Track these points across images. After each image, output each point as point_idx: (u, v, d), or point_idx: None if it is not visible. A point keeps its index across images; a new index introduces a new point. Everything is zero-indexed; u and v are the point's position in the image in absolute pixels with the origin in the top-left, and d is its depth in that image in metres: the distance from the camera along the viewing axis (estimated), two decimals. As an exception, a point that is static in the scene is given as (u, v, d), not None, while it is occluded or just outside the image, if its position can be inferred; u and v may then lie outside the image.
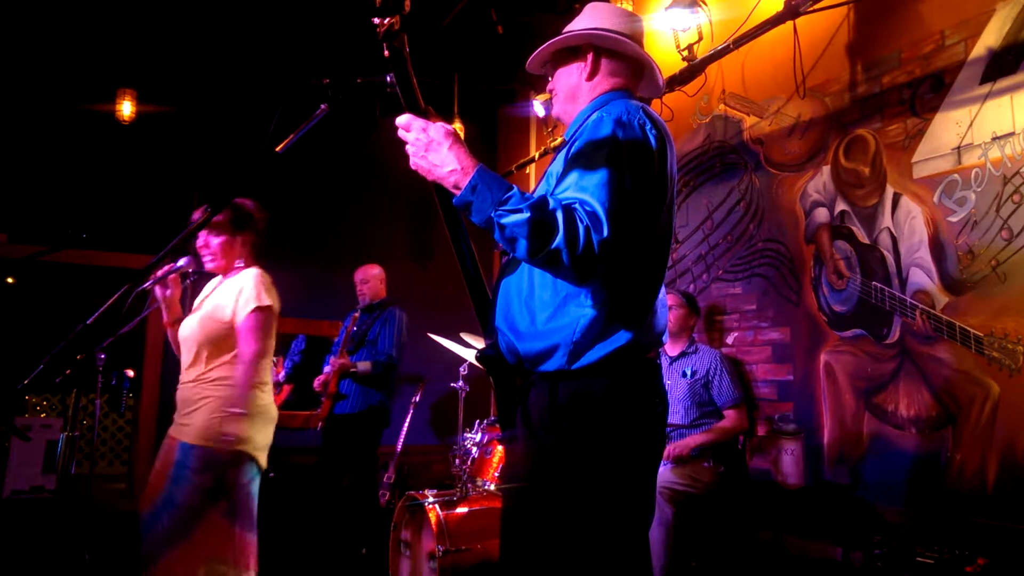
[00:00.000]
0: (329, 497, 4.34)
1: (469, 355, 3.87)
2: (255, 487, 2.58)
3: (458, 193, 1.45)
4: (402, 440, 5.14)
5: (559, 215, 1.38)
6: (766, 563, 3.38)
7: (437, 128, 1.49)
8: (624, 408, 1.51)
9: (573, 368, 1.50)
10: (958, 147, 2.82)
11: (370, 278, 4.68)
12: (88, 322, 1.88)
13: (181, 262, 2.67)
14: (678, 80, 3.84)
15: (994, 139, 2.70)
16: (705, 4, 3.70)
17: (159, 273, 2.65)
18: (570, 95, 1.74)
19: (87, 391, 3.68)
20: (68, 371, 2.51)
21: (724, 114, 4.02)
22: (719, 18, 3.75)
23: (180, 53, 5.22)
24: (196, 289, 2.91)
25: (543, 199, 1.41)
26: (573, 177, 1.49)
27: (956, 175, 2.83)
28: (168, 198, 5.21)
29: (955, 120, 2.84)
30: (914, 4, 3.06)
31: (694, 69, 3.75)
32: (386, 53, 1.53)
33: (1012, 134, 2.65)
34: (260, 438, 2.59)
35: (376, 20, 1.50)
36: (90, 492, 4.03)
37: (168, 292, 2.72)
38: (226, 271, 2.71)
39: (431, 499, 3.35)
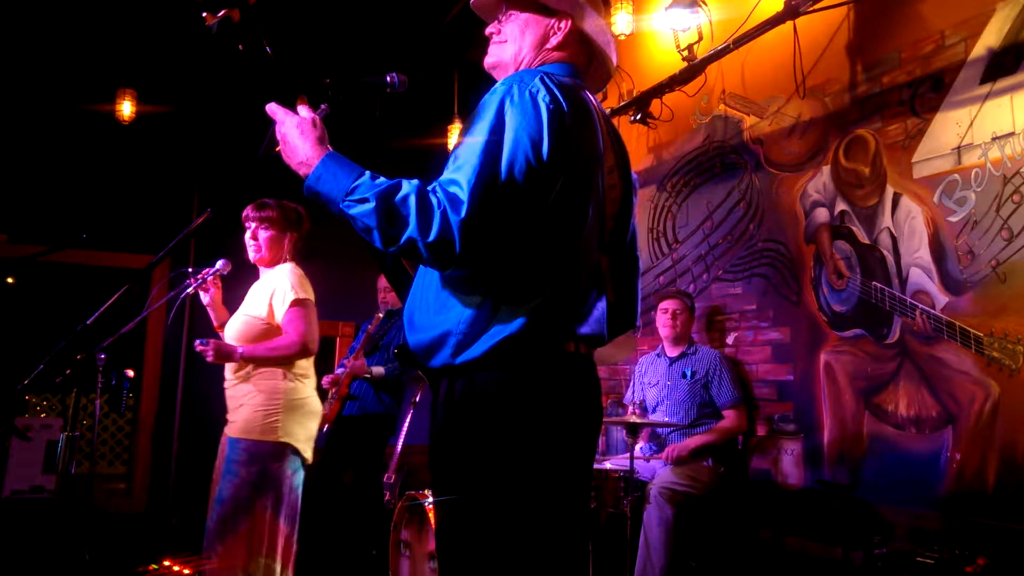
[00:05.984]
0: (331, 497, 4.30)
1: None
2: (298, 480, 2.63)
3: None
4: (402, 440, 5.13)
5: (411, 200, 1.26)
6: (766, 563, 3.38)
7: (292, 119, 1.41)
8: (517, 405, 1.34)
9: (457, 363, 1.36)
10: (958, 147, 2.82)
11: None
12: (88, 322, 1.89)
13: (219, 264, 2.74)
14: (678, 80, 3.84)
15: (994, 139, 2.70)
16: (705, 4, 3.70)
17: (200, 277, 2.72)
18: (520, 49, 1.63)
19: (87, 391, 3.67)
20: (68, 371, 2.52)
21: (724, 114, 4.02)
22: (719, 18, 3.75)
23: (180, 53, 5.21)
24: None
25: (395, 184, 1.29)
26: (451, 157, 1.36)
27: (956, 175, 2.83)
28: (168, 198, 5.22)
29: (955, 120, 2.84)
30: (914, 4, 3.06)
31: (694, 69, 3.75)
32: (239, 47, 1.44)
33: (1012, 134, 2.65)
34: (302, 431, 2.64)
35: (205, 15, 1.39)
36: (90, 492, 4.04)
37: (211, 294, 2.77)
38: (270, 265, 2.75)
39: (431, 499, 3.35)
